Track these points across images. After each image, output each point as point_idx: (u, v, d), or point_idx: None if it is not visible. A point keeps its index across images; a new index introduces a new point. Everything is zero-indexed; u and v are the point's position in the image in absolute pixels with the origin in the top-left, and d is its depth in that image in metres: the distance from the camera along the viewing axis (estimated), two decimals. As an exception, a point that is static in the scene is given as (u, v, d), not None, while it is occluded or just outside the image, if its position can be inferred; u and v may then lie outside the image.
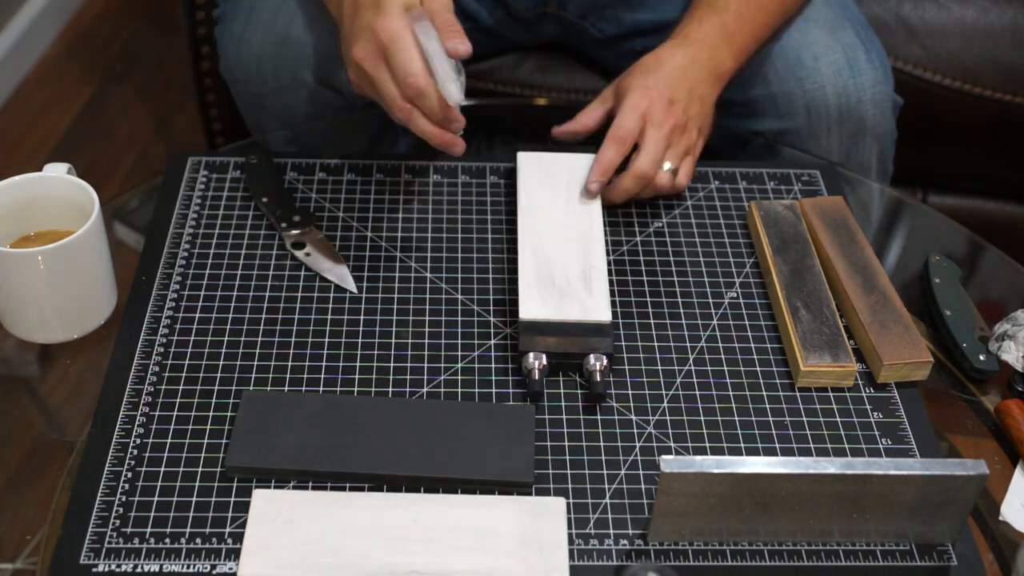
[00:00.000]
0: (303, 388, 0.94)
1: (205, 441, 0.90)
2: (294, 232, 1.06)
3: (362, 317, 1.00)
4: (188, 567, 0.82)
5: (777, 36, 1.21)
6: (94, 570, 0.81)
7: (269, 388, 0.94)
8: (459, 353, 0.97)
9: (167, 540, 0.83)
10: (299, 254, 1.05)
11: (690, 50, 1.11)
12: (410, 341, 0.98)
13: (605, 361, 0.94)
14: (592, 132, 1.13)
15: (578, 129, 1.13)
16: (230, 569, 0.82)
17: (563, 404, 0.94)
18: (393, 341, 0.98)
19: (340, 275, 1.03)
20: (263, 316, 1.00)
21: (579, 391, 0.95)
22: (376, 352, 0.97)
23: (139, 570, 0.82)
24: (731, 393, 0.96)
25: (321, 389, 0.94)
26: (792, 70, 1.20)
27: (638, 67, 1.11)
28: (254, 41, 1.21)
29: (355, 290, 1.02)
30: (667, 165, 1.08)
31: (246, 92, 1.24)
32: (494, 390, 0.95)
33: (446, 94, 0.96)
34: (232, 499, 0.86)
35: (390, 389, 0.94)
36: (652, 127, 1.07)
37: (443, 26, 0.97)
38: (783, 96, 1.21)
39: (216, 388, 0.94)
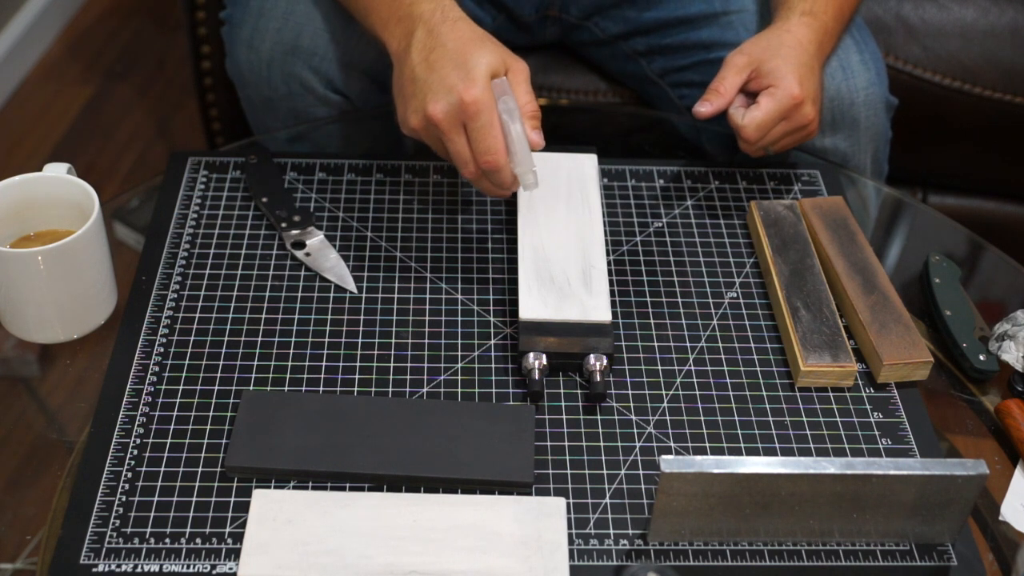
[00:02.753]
0: (303, 388, 0.94)
1: (205, 441, 0.90)
2: (294, 232, 1.06)
3: (362, 317, 1.00)
4: (188, 567, 0.82)
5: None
6: (94, 570, 0.81)
7: (269, 388, 0.94)
8: (459, 353, 0.98)
9: (167, 540, 0.83)
10: (299, 254, 1.05)
11: (818, 33, 1.10)
12: (410, 341, 0.98)
13: (605, 361, 0.94)
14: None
15: (724, 105, 1.08)
16: (230, 569, 0.82)
17: (563, 404, 0.94)
18: (393, 341, 0.98)
19: (340, 275, 1.03)
20: (263, 316, 1.00)
21: (579, 391, 0.95)
22: (376, 352, 0.97)
23: (139, 570, 0.82)
24: (731, 393, 0.96)
25: (321, 389, 0.94)
26: None
27: (776, 42, 1.09)
28: (263, 48, 1.21)
29: (355, 290, 1.02)
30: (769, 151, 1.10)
31: (255, 95, 1.25)
32: (494, 390, 0.95)
33: (524, 183, 0.98)
34: (232, 499, 0.86)
35: (390, 389, 0.94)
36: (792, 123, 1.07)
37: (531, 115, 0.99)
38: None
39: (216, 388, 0.94)
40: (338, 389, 0.94)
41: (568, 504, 0.86)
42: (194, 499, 0.86)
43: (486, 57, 0.97)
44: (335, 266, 1.04)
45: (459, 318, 1.01)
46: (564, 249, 1.02)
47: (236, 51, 1.23)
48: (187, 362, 0.96)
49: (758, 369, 0.98)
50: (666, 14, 1.30)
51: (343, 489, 0.87)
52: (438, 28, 0.99)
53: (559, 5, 1.36)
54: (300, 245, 1.06)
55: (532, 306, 0.96)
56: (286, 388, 0.94)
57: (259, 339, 0.98)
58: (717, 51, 1.25)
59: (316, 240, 1.06)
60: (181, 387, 0.94)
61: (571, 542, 0.84)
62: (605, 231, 1.07)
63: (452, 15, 1.01)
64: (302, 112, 1.24)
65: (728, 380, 0.97)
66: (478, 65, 0.96)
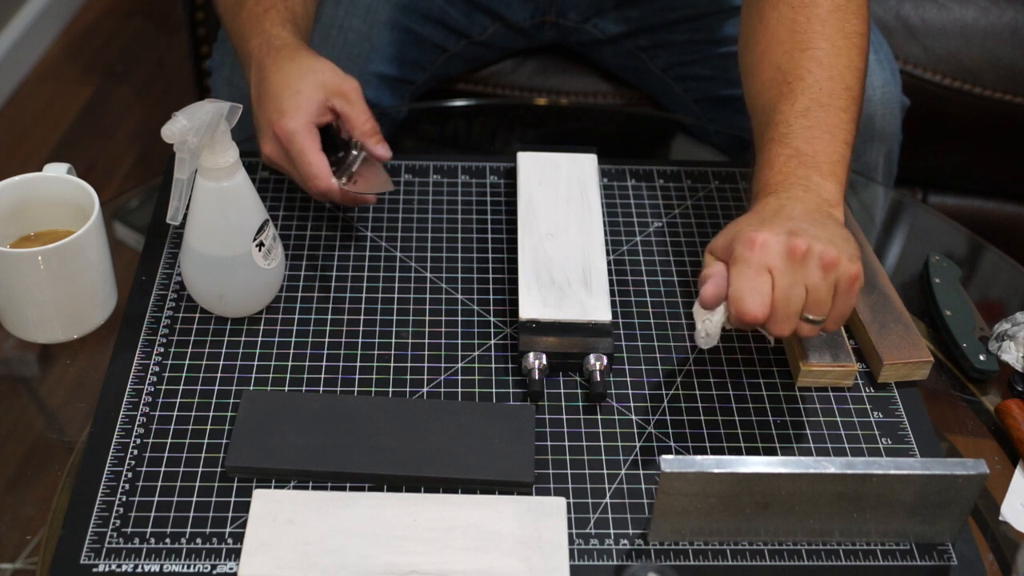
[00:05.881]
0: (303, 388, 0.94)
1: (205, 441, 0.90)
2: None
3: (362, 317, 1.00)
4: (188, 567, 0.82)
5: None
6: (94, 570, 0.81)
7: (269, 388, 0.94)
8: (459, 353, 0.98)
9: (167, 540, 0.83)
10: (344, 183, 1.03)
11: (782, 193, 0.89)
12: (410, 341, 0.98)
13: (605, 361, 0.94)
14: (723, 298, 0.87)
15: (713, 304, 0.87)
16: (230, 569, 0.82)
17: (563, 404, 0.94)
18: (393, 341, 0.98)
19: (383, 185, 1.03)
20: (263, 316, 1.00)
21: (579, 391, 0.95)
22: (376, 352, 0.97)
23: (139, 570, 0.82)
24: (731, 393, 0.95)
25: (321, 389, 0.94)
26: None
27: (728, 228, 0.88)
28: (242, 85, 1.22)
29: (392, 187, 1.03)
30: (809, 316, 0.84)
31: (241, 125, 1.25)
32: (494, 390, 0.95)
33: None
34: (232, 499, 0.86)
35: (390, 389, 0.94)
36: (778, 267, 0.83)
37: (370, 133, 1.01)
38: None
39: (216, 388, 0.94)
40: (338, 389, 0.94)
41: (568, 504, 0.86)
42: (194, 499, 0.86)
43: (305, 87, 0.99)
44: (380, 182, 1.04)
45: (459, 318, 1.01)
46: (564, 249, 1.02)
47: (218, 90, 1.25)
48: (187, 362, 0.96)
49: (758, 369, 0.98)
50: (670, 13, 1.30)
51: (343, 489, 0.87)
52: (263, 63, 1.02)
53: (556, 10, 1.36)
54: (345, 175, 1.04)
55: (532, 306, 0.96)
56: (286, 388, 0.94)
57: (259, 339, 0.98)
58: (726, 46, 1.25)
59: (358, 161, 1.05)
60: (181, 387, 0.94)
61: (571, 542, 0.84)
62: (605, 231, 1.07)
63: (276, 44, 1.03)
64: None
65: (728, 380, 0.97)
66: (293, 95, 0.98)
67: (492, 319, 1.01)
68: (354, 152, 1.05)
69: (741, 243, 0.84)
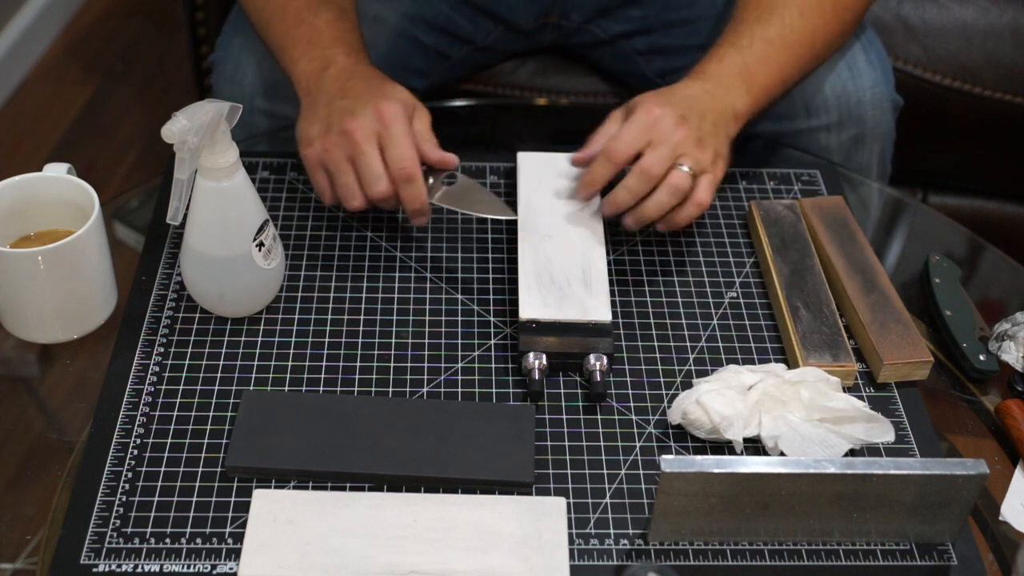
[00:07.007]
0: (303, 388, 0.94)
1: (205, 441, 0.90)
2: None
3: (362, 317, 1.00)
4: (188, 567, 0.82)
5: (806, 77, 1.16)
6: (94, 570, 0.81)
7: (269, 388, 0.94)
8: (459, 353, 0.98)
9: (167, 540, 0.83)
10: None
11: (707, 84, 1.05)
12: (410, 341, 0.98)
13: (605, 361, 0.94)
14: None
15: (592, 153, 1.04)
16: (230, 569, 0.82)
17: (563, 404, 0.94)
18: (393, 341, 0.98)
19: (492, 208, 1.04)
20: (263, 316, 1.00)
21: (579, 391, 0.95)
22: (376, 352, 0.97)
23: (139, 570, 0.82)
24: (731, 393, 0.95)
25: (321, 389, 0.94)
26: None
27: (650, 91, 1.05)
28: (245, 83, 1.23)
29: (513, 215, 1.04)
30: (684, 166, 0.99)
31: (242, 124, 1.26)
32: (494, 390, 0.95)
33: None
34: (232, 499, 0.86)
35: (390, 389, 0.94)
36: (659, 138, 0.99)
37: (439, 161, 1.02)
38: (783, 99, 1.21)
39: (216, 388, 0.94)
40: (338, 389, 0.94)
41: (568, 504, 0.86)
42: (194, 499, 0.86)
43: (400, 89, 1.04)
44: (482, 202, 1.05)
45: (459, 318, 1.01)
46: (564, 249, 1.02)
47: (220, 87, 1.25)
48: (187, 362, 0.96)
49: (758, 369, 0.97)
50: (670, 13, 1.30)
51: (343, 489, 0.87)
52: (353, 68, 1.05)
53: (559, 11, 1.36)
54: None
55: (532, 306, 0.96)
56: (286, 388, 0.94)
57: (259, 339, 0.98)
58: None
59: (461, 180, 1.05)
60: (181, 387, 0.94)
61: (571, 542, 0.84)
62: (605, 231, 1.07)
63: (364, 59, 1.08)
64: (286, 143, 1.24)
65: (728, 380, 0.96)
66: (394, 88, 1.03)
67: (492, 319, 1.01)
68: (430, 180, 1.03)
69: (641, 108, 1.01)
